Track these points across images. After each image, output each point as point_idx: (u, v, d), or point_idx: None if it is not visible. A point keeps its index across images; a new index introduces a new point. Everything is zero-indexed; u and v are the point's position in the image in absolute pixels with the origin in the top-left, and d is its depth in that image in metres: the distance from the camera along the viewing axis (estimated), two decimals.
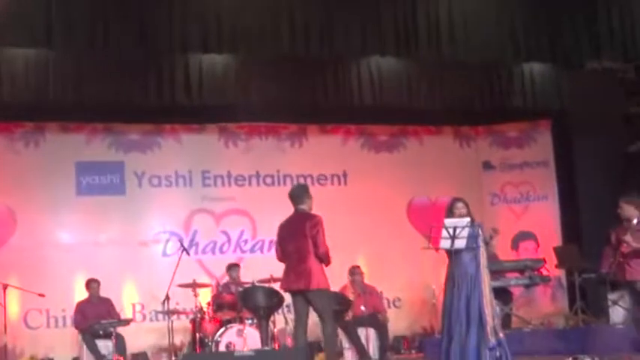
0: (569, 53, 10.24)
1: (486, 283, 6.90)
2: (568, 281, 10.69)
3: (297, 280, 7.23)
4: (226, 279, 10.13)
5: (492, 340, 6.78)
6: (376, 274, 10.30)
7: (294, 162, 11.37)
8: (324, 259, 7.28)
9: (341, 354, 9.20)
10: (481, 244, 6.94)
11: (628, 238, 7.48)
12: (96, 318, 9.47)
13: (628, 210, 7.59)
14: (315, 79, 10.11)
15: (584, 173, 11.22)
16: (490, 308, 6.85)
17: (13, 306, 9.68)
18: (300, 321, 7.39)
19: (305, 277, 7.17)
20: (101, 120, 10.65)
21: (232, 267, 10.04)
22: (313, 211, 7.39)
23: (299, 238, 7.23)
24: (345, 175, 11.48)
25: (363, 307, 9.16)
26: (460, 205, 7.05)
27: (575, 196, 11.37)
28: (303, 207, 7.38)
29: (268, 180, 11.26)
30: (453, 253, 7.00)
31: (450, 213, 7.04)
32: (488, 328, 6.78)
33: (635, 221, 7.51)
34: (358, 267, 9.92)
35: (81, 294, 9.94)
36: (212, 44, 9.25)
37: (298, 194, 7.46)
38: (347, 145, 11.64)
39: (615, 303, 8.98)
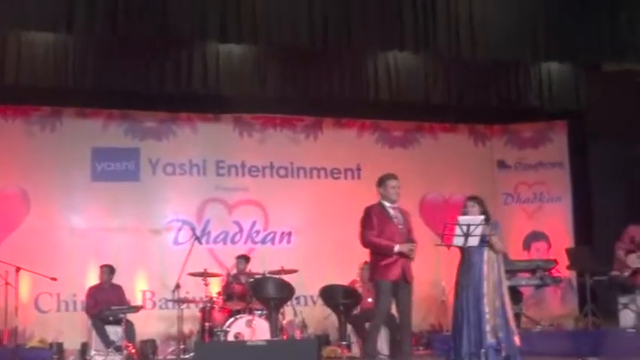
0: (587, 54, 10.17)
1: (491, 281, 6.89)
2: (579, 283, 10.64)
3: None
4: (236, 269, 10.15)
5: (490, 340, 6.75)
6: None
7: (308, 155, 11.35)
8: (371, 250, 7.25)
9: (349, 348, 9.21)
10: (494, 239, 6.95)
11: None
12: (106, 304, 9.52)
13: None
14: (332, 72, 10.09)
15: (599, 176, 11.17)
16: (491, 307, 6.80)
17: (25, 289, 9.68)
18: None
19: None
20: (118, 106, 10.68)
21: (241, 258, 10.05)
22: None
23: None
24: (358, 169, 11.44)
25: (370, 300, 9.12)
26: (470, 203, 7.11)
27: (588, 199, 11.31)
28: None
29: (282, 172, 11.25)
30: (465, 251, 7.01)
31: (464, 211, 7.09)
32: (488, 327, 6.75)
33: None
34: (367, 262, 9.88)
35: (92, 279, 10.01)
36: (230, 34, 9.23)
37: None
38: (362, 139, 11.61)
39: (626, 306, 8.94)
